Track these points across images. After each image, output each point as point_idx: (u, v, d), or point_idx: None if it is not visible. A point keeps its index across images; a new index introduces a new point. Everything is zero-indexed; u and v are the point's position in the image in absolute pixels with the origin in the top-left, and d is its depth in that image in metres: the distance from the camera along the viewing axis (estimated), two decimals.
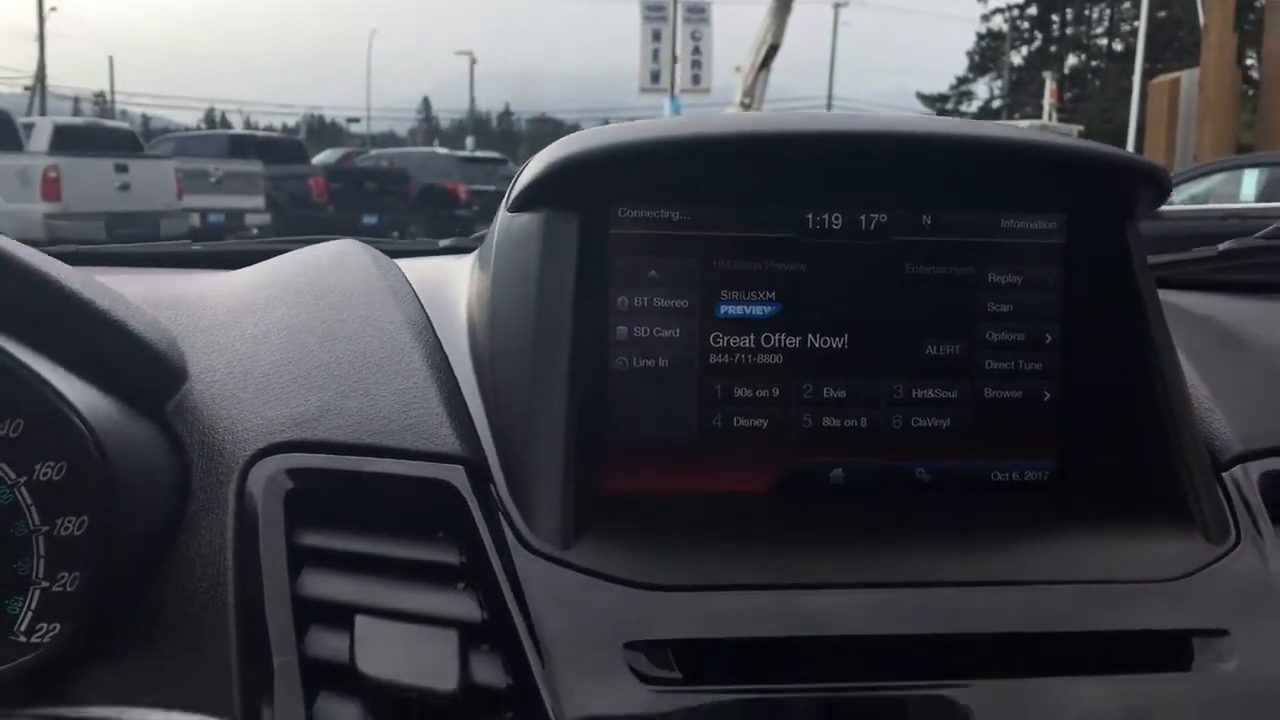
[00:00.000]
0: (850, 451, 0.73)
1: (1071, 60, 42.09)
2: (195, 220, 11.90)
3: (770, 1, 21.30)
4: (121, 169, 10.95)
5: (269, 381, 0.68)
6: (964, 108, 42.13)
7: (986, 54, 43.00)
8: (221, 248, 1.20)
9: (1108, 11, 41.58)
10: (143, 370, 0.63)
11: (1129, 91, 17.85)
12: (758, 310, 0.72)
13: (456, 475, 0.63)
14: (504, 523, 0.62)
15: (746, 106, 21.28)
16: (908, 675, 0.59)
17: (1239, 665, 0.61)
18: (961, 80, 43.78)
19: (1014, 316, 0.75)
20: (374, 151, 21.99)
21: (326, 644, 0.57)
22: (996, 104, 41.11)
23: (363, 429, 0.64)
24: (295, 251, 0.90)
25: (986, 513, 0.72)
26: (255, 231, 12.14)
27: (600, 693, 0.56)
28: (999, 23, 42.84)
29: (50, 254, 0.59)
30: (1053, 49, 42.32)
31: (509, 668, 0.57)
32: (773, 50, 21.40)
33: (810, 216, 0.72)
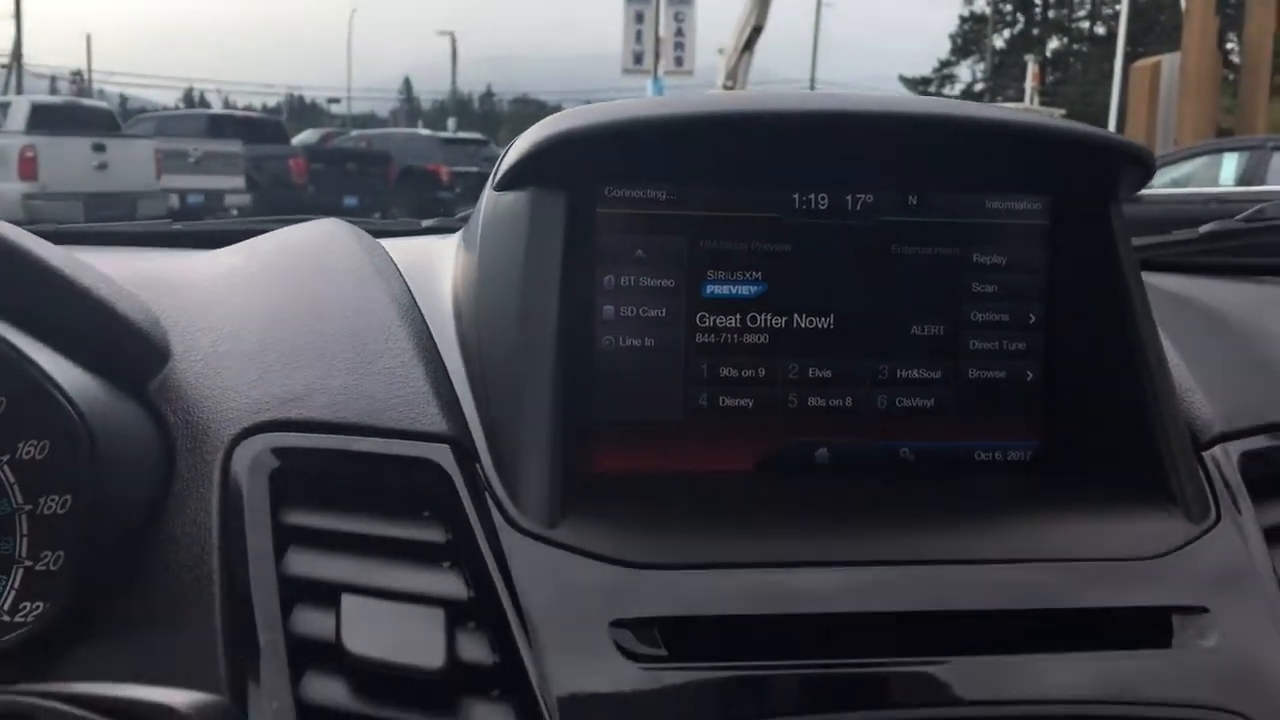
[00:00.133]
0: (835, 431, 0.73)
1: (1054, 43, 42.18)
2: (174, 200, 11.80)
3: None
4: (99, 149, 10.85)
5: (253, 360, 0.67)
6: (946, 91, 42.12)
7: (969, 37, 43.04)
8: (203, 227, 1.19)
9: None
10: (126, 349, 0.63)
11: (1110, 75, 17.90)
12: (744, 290, 0.72)
13: (442, 454, 0.63)
14: (490, 501, 0.62)
15: (730, 88, 21.19)
16: (892, 652, 0.59)
17: (1219, 642, 0.62)
18: (944, 63, 43.79)
19: (998, 297, 0.75)
20: (355, 132, 21.86)
21: (312, 622, 0.57)
22: (979, 87, 41.14)
23: (348, 408, 0.64)
24: (278, 230, 0.89)
25: (970, 492, 0.72)
26: (235, 212, 12.02)
27: (587, 670, 0.56)
28: (982, 5, 42.87)
29: (32, 232, 0.59)
30: (1035, 32, 42.39)
31: (495, 645, 0.57)
32: (756, 32, 21.32)
33: (796, 197, 0.72)
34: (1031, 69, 26.54)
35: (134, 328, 0.63)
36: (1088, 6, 42.44)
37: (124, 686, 0.35)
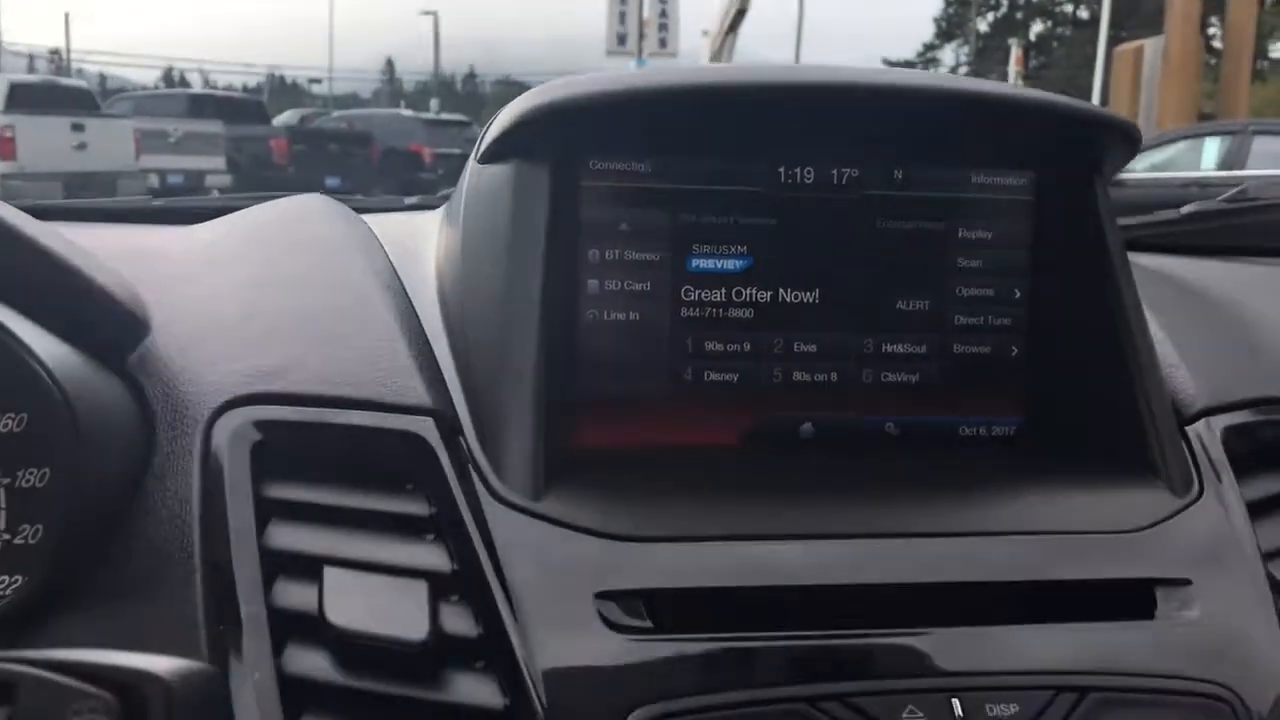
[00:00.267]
0: (820, 406, 0.73)
1: (1037, 27, 42.19)
2: (154, 181, 11.72)
3: None
4: (78, 128, 10.76)
5: (234, 334, 0.67)
6: None
7: (953, 20, 43.02)
8: (183, 203, 1.18)
9: None
10: (104, 322, 0.62)
11: (1093, 59, 17.91)
12: (729, 264, 0.72)
13: (426, 427, 0.63)
14: (474, 474, 0.62)
15: None
16: (876, 623, 0.59)
17: (1201, 614, 0.62)
18: (928, 47, 43.77)
19: (984, 272, 0.75)
20: (337, 113, 21.70)
21: (294, 595, 0.56)
22: (962, 71, 41.15)
23: (330, 381, 0.64)
24: (260, 205, 0.89)
25: (954, 466, 0.72)
26: (216, 193, 11.95)
27: (572, 642, 0.56)
28: None
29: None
30: (1019, 16, 42.38)
31: (479, 618, 0.57)
32: (740, 15, 21.26)
33: (782, 170, 0.72)
34: (1015, 53, 26.54)
35: (112, 300, 0.62)
36: None
37: (106, 653, 0.35)
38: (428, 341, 0.69)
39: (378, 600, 0.56)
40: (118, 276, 0.65)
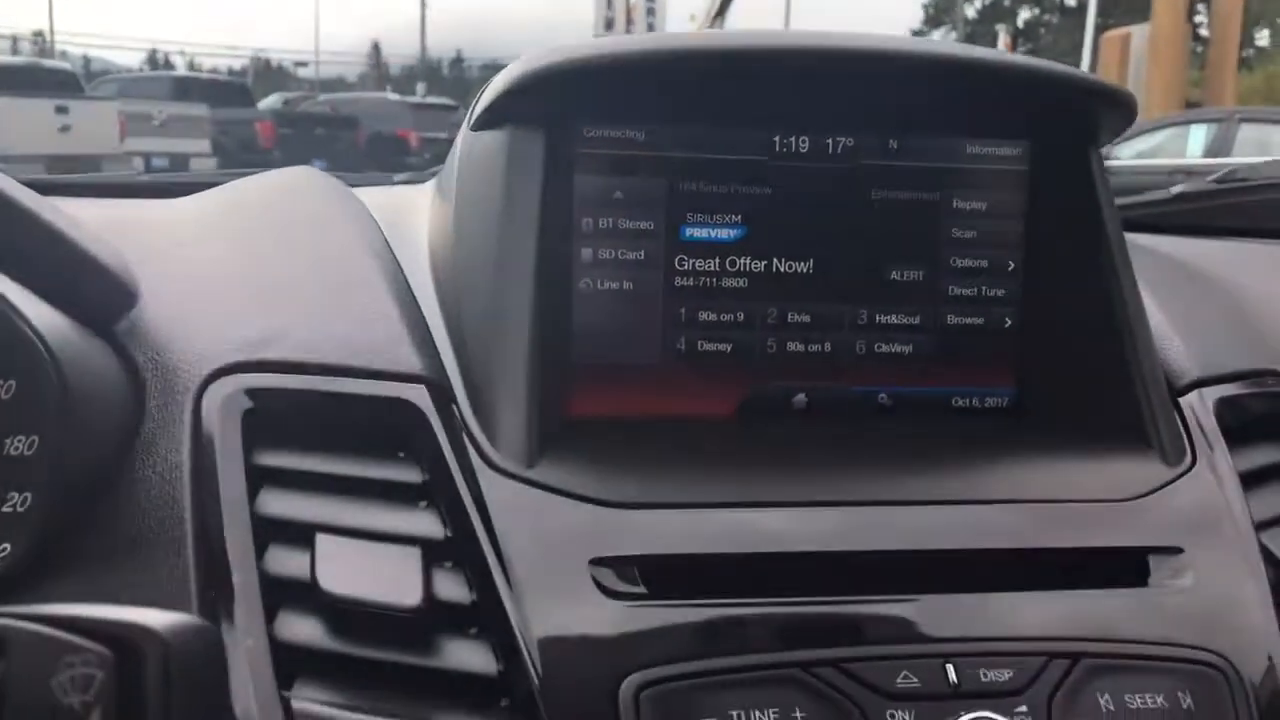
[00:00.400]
0: (813, 376, 0.73)
1: (1025, 14, 42.20)
2: (139, 164, 11.62)
3: None
4: (62, 110, 10.66)
5: (224, 302, 0.66)
6: None
7: (941, 6, 43.00)
8: (170, 178, 1.17)
9: None
10: (92, 289, 0.61)
11: (1081, 46, 17.93)
12: (723, 233, 0.71)
13: (418, 394, 0.63)
14: (467, 442, 0.62)
15: None
16: (869, 591, 0.59)
17: (1194, 582, 0.62)
18: (916, 33, 43.76)
19: (978, 243, 0.75)
20: (322, 97, 21.58)
21: (286, 562, 0.56)
22: None
23: (322, 349, 0.63)
24: (248, 177, 0.88)
25: (947, 436, 0.72)
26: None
27: (566, 608, 0.56)
28: None
29: None
30: (1006, 2, 42.41)
31: (473, 584, 0.57)
32: None
33: (777, 139, 0.71)
34: (1003, 39, 26.62)
35: (101, 268, 0.61)
36: None
37: (99, 607, 0.34)
38: (420, 309, 0.69)
39: (370, 567, 0.56)
40: (106, 244, 0.64)
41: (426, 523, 0.59)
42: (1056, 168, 0.74)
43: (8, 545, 0.53)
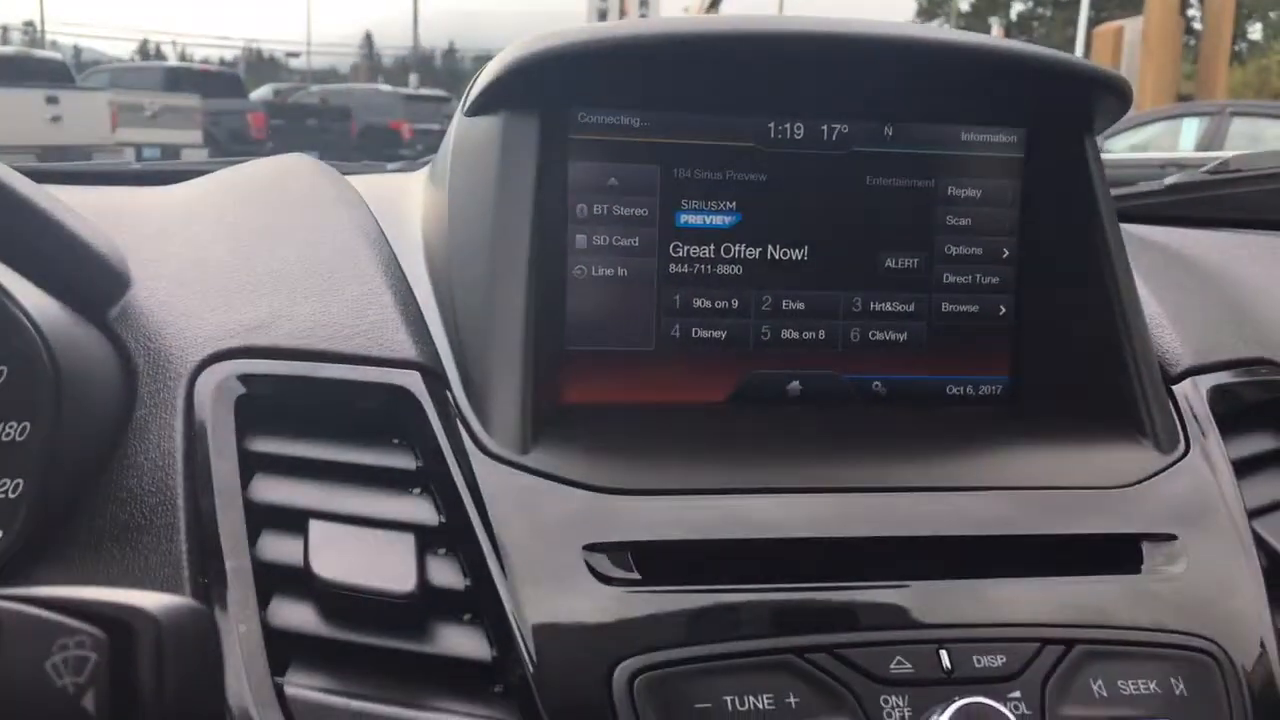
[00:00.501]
0: (807, 363, 0.73)
1: (1018, 6, 42.21)
2: (130, 155, 11.58)
3: None
4: (53, 101, 10.62)
5: (216, 287, 0.66)
6: None
7: None
8: (162, 166, 1.17)
9: None
10: (84, 275, 0.61)
11: (1074, 39, 17.94)
12: (718, 220, 0.71)
13: (412, 380, 0.62)
14: (461, 428, 0.61)
15: None
16: (863, 577, 0.59)
17: (1187, 569, 0.62)
18: None
19: (972, 230, 0.75)
20: (314, 88, 21.50)
21: (280, 548, 0.56)
22: None
23: (315, 335, 0.63)
24: (241, 164, 0.88)
25: (941, 424, 0.72)
26: None
27: (560, 593, 0.56)
28: None
29: None
30: None
31: (467, 570, 0.57)
32: None
33: (772, 126, 0.71)
34: (996, 31, 26.61)
35: (94, 254, 0.61)
36: None
37: (92, 589, 0.34)
38: (413, 296, 0.69)
39: (364, 553, 0.55)
40: (98, 230, 0.63)
41: (420, 509, 0.59)
42: (1052, 155, 0.74)
43: (0, 531, 0.53)
